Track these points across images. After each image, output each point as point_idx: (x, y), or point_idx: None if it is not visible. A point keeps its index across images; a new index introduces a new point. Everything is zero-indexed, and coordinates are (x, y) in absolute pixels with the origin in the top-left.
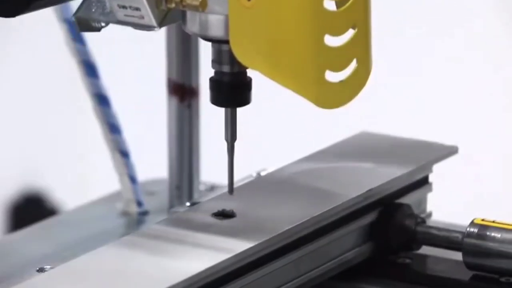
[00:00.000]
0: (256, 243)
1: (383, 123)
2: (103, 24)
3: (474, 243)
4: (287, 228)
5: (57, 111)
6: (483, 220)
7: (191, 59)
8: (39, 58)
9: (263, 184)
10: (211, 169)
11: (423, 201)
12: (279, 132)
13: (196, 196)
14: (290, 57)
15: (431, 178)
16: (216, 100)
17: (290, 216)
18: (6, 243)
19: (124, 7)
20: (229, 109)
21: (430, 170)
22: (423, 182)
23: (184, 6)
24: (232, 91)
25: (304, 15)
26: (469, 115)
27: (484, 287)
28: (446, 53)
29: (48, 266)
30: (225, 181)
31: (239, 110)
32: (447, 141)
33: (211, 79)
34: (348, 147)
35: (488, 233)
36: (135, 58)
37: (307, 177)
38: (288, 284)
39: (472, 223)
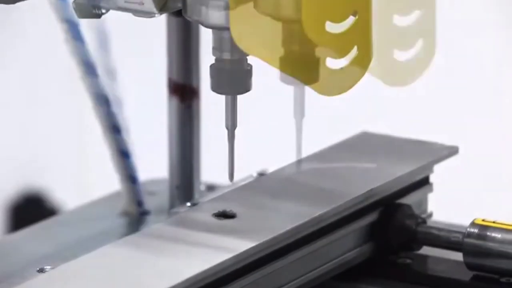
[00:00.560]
0: (257, 243)
1: (383, 123)
2: (103, 11)
3: (474, 244)
4: (287, 228)
5: (57, 111)
6: (483, 220)
7: (192, 59)
8: (39, 58)
9: (264, 184)
10: (211, 169)
11: (423, 202)
12: (280, 132)
13: (196, 196)
14: (291, 44)
15: (431, 178)
16: (217, 87)
17: (290, 216)
18: (6, 243)
19: None
20: (229, 97)
21: (430, 170)
22: (424, 182)
23: None
24: (233, 78)
25: (306, 1)
26: (469, 115)
27: None
28: (446, 52)
29: (49, 267)
30: (225, 181)
31: (239, 110)
32: (448, 141)
33: (212, 66)
34: (349, 147)
35: (488, 234)
36: (135, 58)
37: (308, 177)
38: (289, 284)
39: (473, 224)
